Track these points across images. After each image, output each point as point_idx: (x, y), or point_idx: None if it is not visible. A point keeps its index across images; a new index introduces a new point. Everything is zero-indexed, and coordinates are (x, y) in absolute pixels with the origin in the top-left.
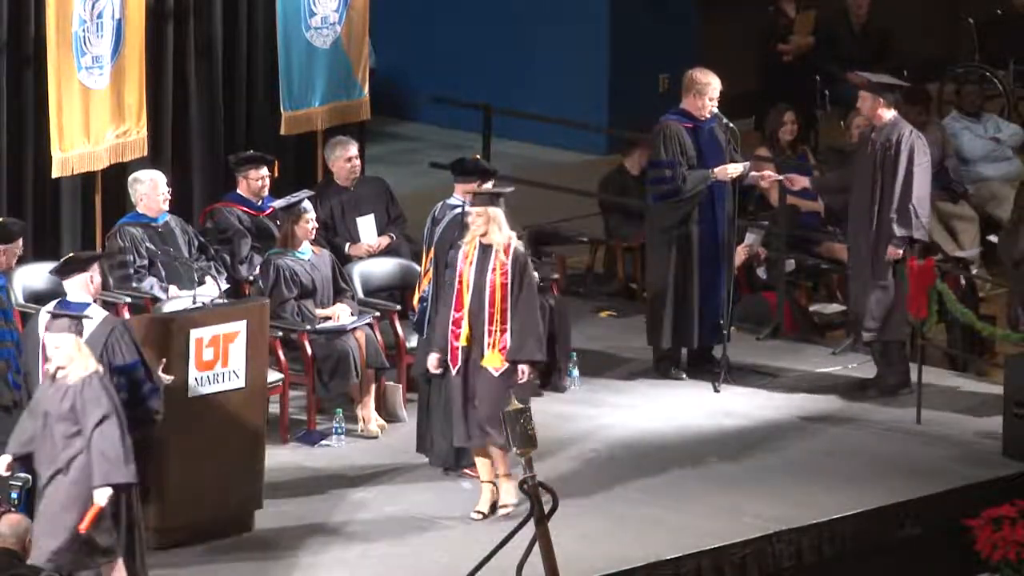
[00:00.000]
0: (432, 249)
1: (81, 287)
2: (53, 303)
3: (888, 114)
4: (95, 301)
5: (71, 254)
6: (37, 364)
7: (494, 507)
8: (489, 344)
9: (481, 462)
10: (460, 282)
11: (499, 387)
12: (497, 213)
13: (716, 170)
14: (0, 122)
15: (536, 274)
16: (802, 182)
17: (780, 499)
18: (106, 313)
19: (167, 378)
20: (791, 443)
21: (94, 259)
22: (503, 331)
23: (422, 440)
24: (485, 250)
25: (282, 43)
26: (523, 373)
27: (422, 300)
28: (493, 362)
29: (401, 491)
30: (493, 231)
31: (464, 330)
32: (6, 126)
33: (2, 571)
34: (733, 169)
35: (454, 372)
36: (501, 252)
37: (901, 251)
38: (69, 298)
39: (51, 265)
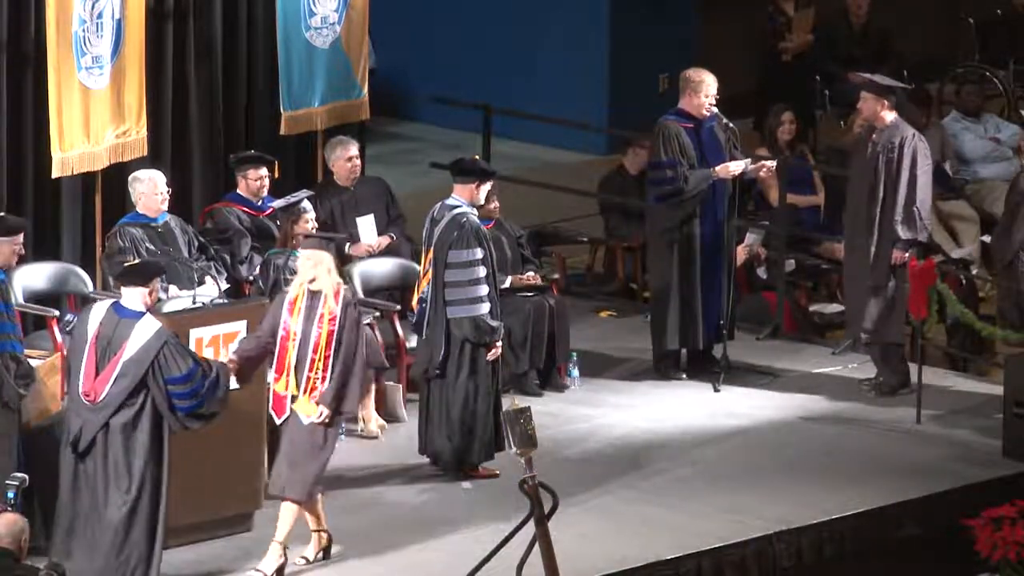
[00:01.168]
0: (431, 249)
1: (137, 298)
2: (110, 301)
3: (890, 116)
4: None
5: (136, 262)
6: (82, 357)
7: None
8: (305, 390)
9: (284, 515)
10: (286, 334)
11: (306, 438)
12: (326, 258)
13: (718, 168)
14: (0, 122)
15: (363, 317)
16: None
17: (780, 499)
18: (159, 325)
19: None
20: (791, 443)
21: (156, 275)
22: (323, 379)
23: (423, 440)
24: (313, 297)
25: (282, 43)
26: (322, 415)
27: (421, 300)
28: (305, 409)
29: (401, 491)
30: (322, 276)
31: (291, 381)
32: (6, 126)
33: None
34: (735, 166)
35: (279, 421)
36: (330, 299)
37: (907, 254)
38: (123, 303)
39: (51, 265)
